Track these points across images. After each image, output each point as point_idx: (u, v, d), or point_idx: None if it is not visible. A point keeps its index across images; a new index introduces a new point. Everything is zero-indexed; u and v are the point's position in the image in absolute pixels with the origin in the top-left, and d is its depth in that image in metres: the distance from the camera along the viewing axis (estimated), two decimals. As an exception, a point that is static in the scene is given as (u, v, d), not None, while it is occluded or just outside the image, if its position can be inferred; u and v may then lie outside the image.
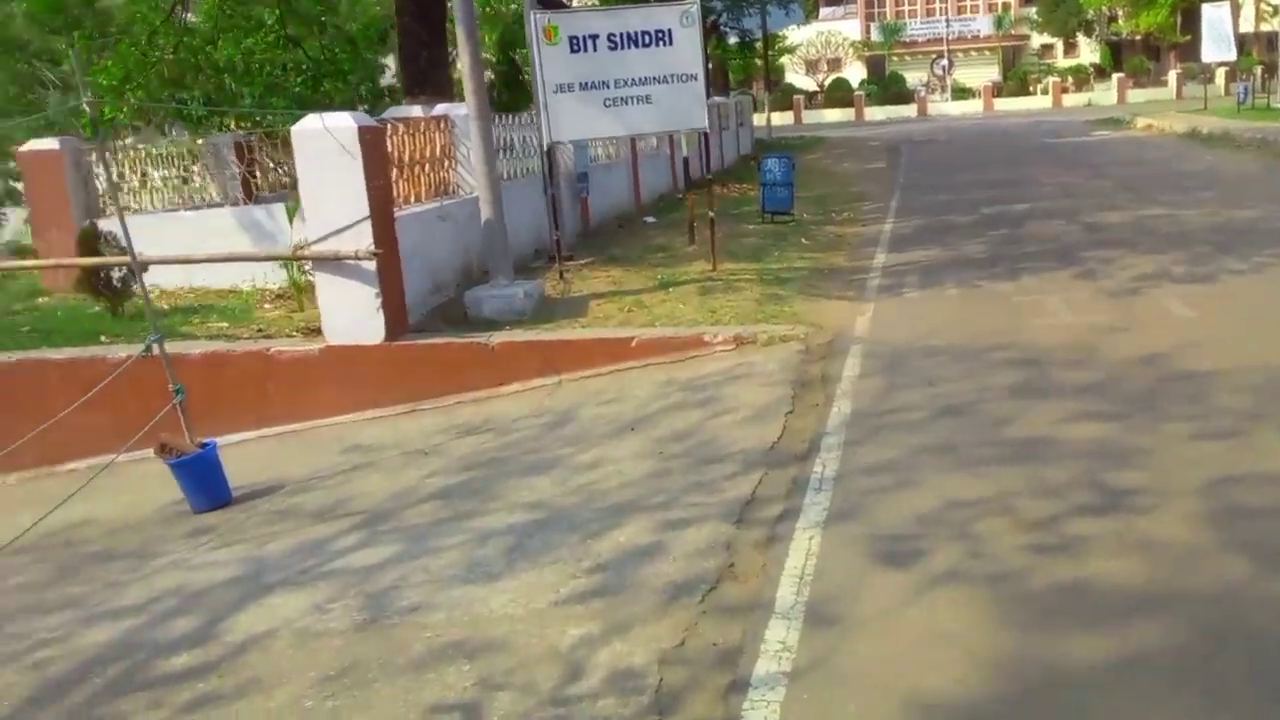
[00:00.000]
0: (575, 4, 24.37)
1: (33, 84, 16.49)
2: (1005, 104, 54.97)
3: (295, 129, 8.58)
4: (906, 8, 68.73)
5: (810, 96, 60.00)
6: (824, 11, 67.23)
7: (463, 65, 9.52)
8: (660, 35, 10.29)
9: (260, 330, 9.24)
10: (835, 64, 65.27)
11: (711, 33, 36.12)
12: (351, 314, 8.57)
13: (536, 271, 11.02)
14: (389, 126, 10.72)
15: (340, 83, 17.32)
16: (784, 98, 56.69)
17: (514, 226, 11.61)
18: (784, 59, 60.49)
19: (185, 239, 10.61)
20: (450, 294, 9.91)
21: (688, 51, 10.39)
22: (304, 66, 17.62)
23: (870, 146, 32.67)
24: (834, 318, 9.19)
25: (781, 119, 50.98)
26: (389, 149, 9.63)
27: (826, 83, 62.31)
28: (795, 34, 56.99)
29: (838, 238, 13.83)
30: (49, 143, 11.58)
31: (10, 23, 16.59)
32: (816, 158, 28.84)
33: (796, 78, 63.75)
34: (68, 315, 10.17)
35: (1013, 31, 64.89)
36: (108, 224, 11.40)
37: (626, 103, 10.35)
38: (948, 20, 63.57)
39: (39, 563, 6.23)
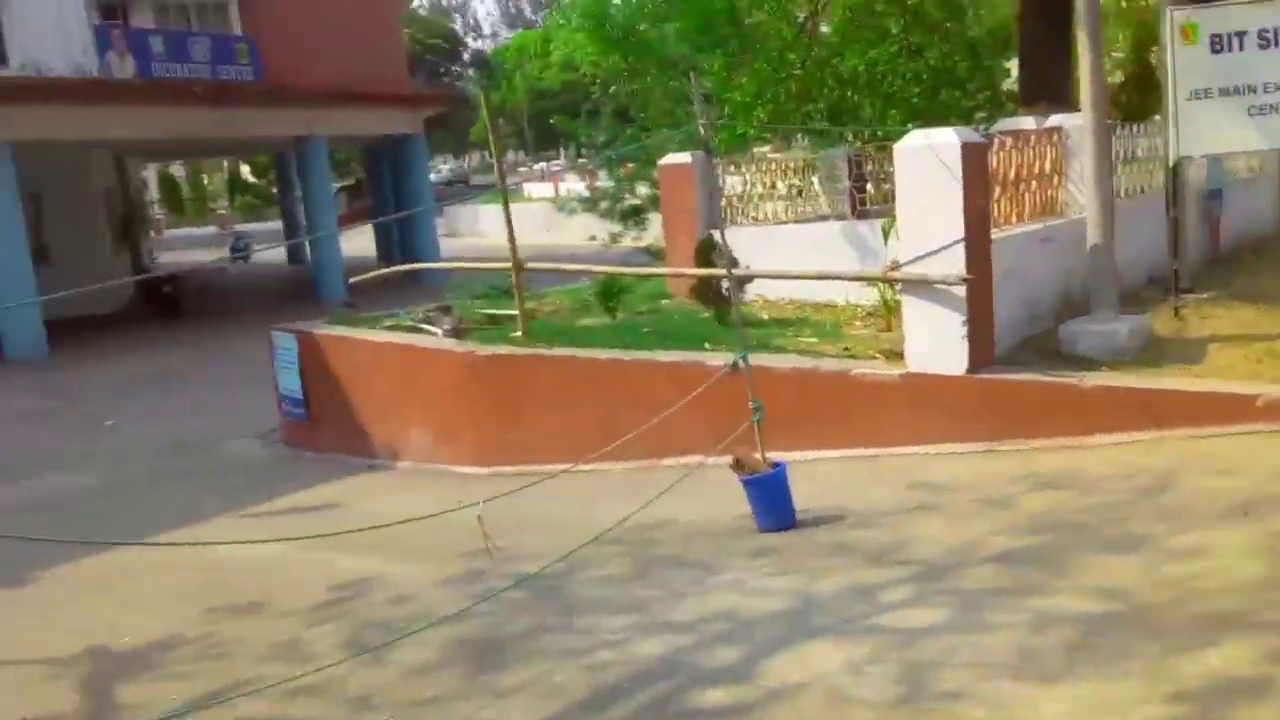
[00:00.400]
0: None
1: (681, 99, 18.03)
2: None
3: (898, 145, 8.36)
4: None
5: None
6: None
7: (1082, 70, 8.64)
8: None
9: (846, 349, 9.19)
10: None
11: None
12: (935, 341, 8.19)
13: (1147, 304, 9.78)
14: (996, 141, 10.15)
15: (958, 91, 16.88)
16: None
17: (1125, 251, 10.42)
18: None
19: (791, 251, 10.90)
20: (1046, 324, 9.12)
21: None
22: (923, 76, 17.43)
23: None
24: None
25: None
26: (993, 165, 9.08)
27: None
28: None
29: None
30: (682, 157, 12.54)
31: (664, 42, 18.30)
32: None
33: None
34: (683, 319, 10.92)
35: None
36: (728, 234, 12.16)
37: (1278, 110, 8.77)
38: None
39: (621, 557, 6.68)
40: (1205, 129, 8.99)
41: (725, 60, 16.80)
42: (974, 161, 8.11)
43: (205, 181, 65.37)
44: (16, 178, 19.87)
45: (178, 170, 59.16)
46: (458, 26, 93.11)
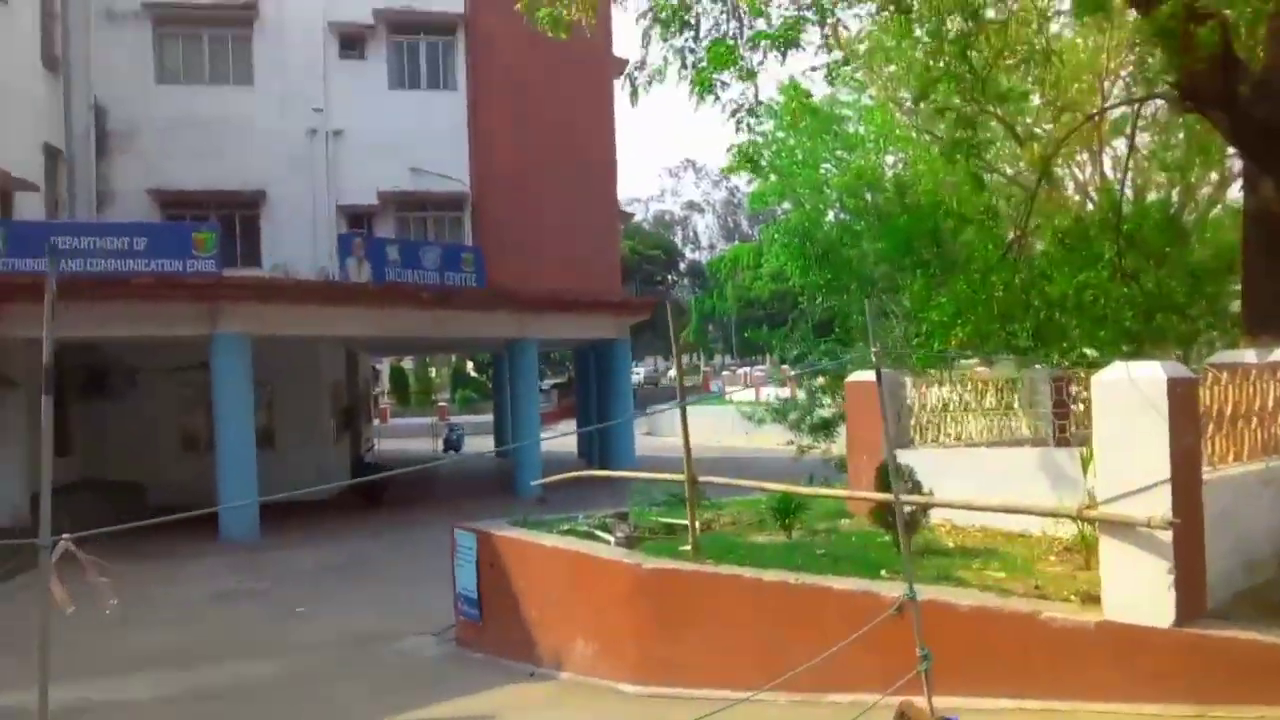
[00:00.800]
0: None
1: (880, 315, 17.82)
2: None
3: (1096, 377, 7.80)
4: None
5: None
6: None
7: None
8: None
9: (1037, 587, 8.40)
10: None
11: None
12: (1137, 588, 7.35)
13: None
14: (1210, 374, 9.37)
15: (1176, 316, 15.94)
16: None
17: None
18: None
19: (983, 476, 10.27)
20: (1266, 574, 8.10)
21: None
22: (1137, 300, 16.63)
23: None
24: None
25: None
26: (1206, 401, 8.32)
27: None
28: None
29: None
30: (868, 374, 12.22)
31: (863, 261, 18.28)
32: None
33: None
34: (861, 542, 10.35)
35: None
36: (912, 455, 11.63)
37: None
38: None
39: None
40: None
41: (926, 280, 16.55)
42: (1183, 397, 7.44)
43: (432, 375, 69.29)
44: (252, 365, 21.45)
45: (408, 364, 63.06)
46: (678, 239, 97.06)
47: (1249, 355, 9.61)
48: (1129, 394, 7.42)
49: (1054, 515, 8.64)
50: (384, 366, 56.98)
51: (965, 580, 8.73)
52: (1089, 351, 14.92)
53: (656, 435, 44.01)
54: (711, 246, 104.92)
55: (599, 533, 11.41)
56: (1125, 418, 7.45)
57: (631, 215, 47.68)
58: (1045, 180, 14.99)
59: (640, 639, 9.75)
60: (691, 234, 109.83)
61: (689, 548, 10.09)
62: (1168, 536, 7.25)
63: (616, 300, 31.38)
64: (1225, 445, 8.92)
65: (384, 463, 31.20)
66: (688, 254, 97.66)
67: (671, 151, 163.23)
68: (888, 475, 9.90)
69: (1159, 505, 7.27)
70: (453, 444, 38.46)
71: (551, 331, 28.34)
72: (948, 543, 10.23)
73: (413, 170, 28.58)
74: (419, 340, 32.38)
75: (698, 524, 10.24)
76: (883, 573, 9.05)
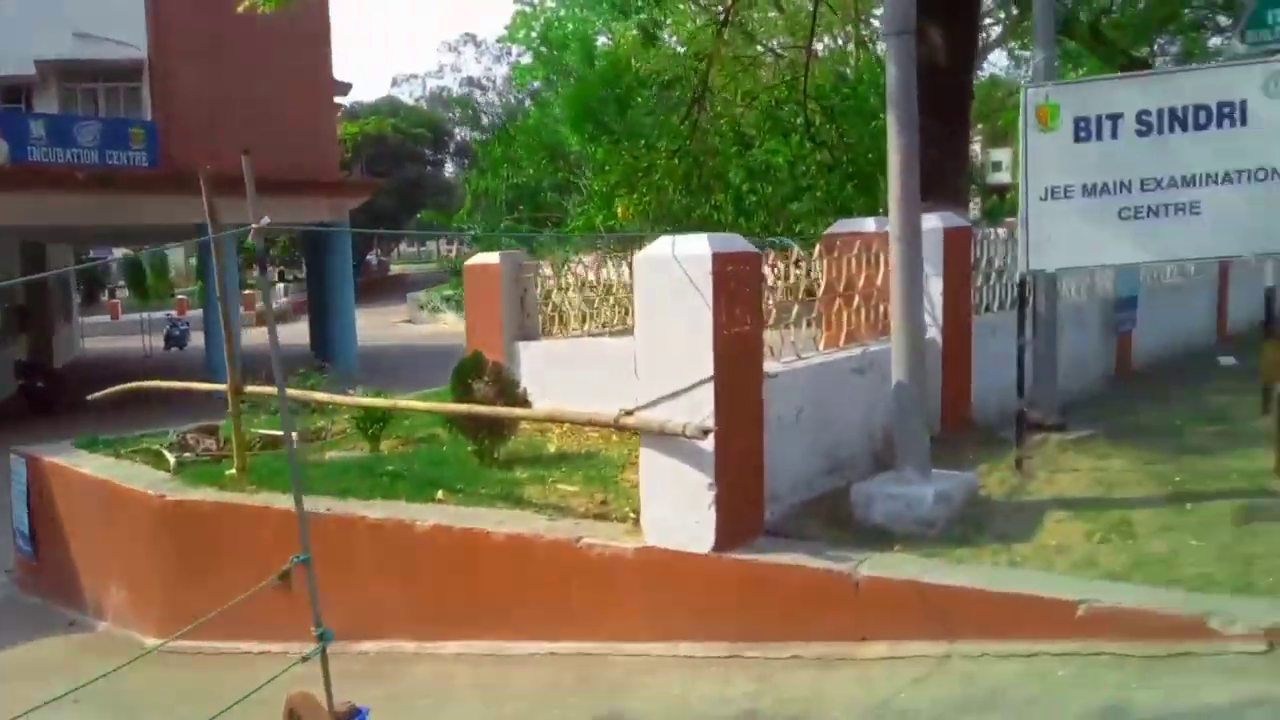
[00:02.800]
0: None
1: (571, 190, 16.25)
2: None
3: (639, 255, 6.43)
4: None
5: None
6: None
7: (890, 160, 6.67)
8: (1225, 111, 6.63)
9: (603, 504, 7.15)
10: None
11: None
12: (676, 508, 6.15)
13: (995, 450, 7.74)
14: (821, 245, 8.24)
15: (859, 185, 15.02)
16: None
17: (990, 376, 8.47)
18: None
19: (605, 366, 8.92)
20: (857, 475, 7.09)
21: (1273, 135, 6.59)
22: (828, 169, 15.64)
23: None
24: None
25: None
26: (776, 279, 7.17)
27: None
28: None
29: None
30: (490, 256, 10.63)
31: (549, 130, 16.61)
32: None
33: None
34: (451, 455, 8.88)
35: None
36: (534, 348, 10.22)
37: (1158, 214, 6.79)
38: None
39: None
40: (1063, 237, 7.01)
41: (609, 149, 15.02)
42: (732, 277, 6.13)
43: (185, 264, 63.92)
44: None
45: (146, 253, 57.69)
46: (455, 117, 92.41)
47: (869, 224, 8.50)
48: (670, 274, 6.09)
49: (590, 424, 7.36)
50: (117, 255, 52.10)
51: (529, 499, 7.41)
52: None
53: (416, 324, 41.85)
54: (493, 125, 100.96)
55: (167, 453, 9.58)
56: (666, 303, 6.13)
57: (349, 86, 44.01)
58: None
59: (165, 584, 8.09)
60: (470, 113, 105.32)
61: (234, 471, 8.42)
62: (708, 446, 6.03)
63: (330, 181, 28.68)
64: (835, 327, 7.87)
65: (84, 365, 28.05)
66: (468, 133, 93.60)
67: (453, 25, 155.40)
68: (467, 375, 8.48)
69: (701, 410, 6.04)
70: (175, 340, 35.22)
71: (249, 217, 25.50)
72: (550, 448, 8.91)
73: (78, 36, 24.85)
74: (92, 229, 28.75)
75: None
76: (439, 494, 7.65)
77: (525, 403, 8.33)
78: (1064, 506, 6.51)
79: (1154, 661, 4.82)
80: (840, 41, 23.60)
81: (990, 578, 5.58)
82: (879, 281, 8.12)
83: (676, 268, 6.06)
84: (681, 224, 16.13)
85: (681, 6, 15.98)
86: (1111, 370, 10.80)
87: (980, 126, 35.10)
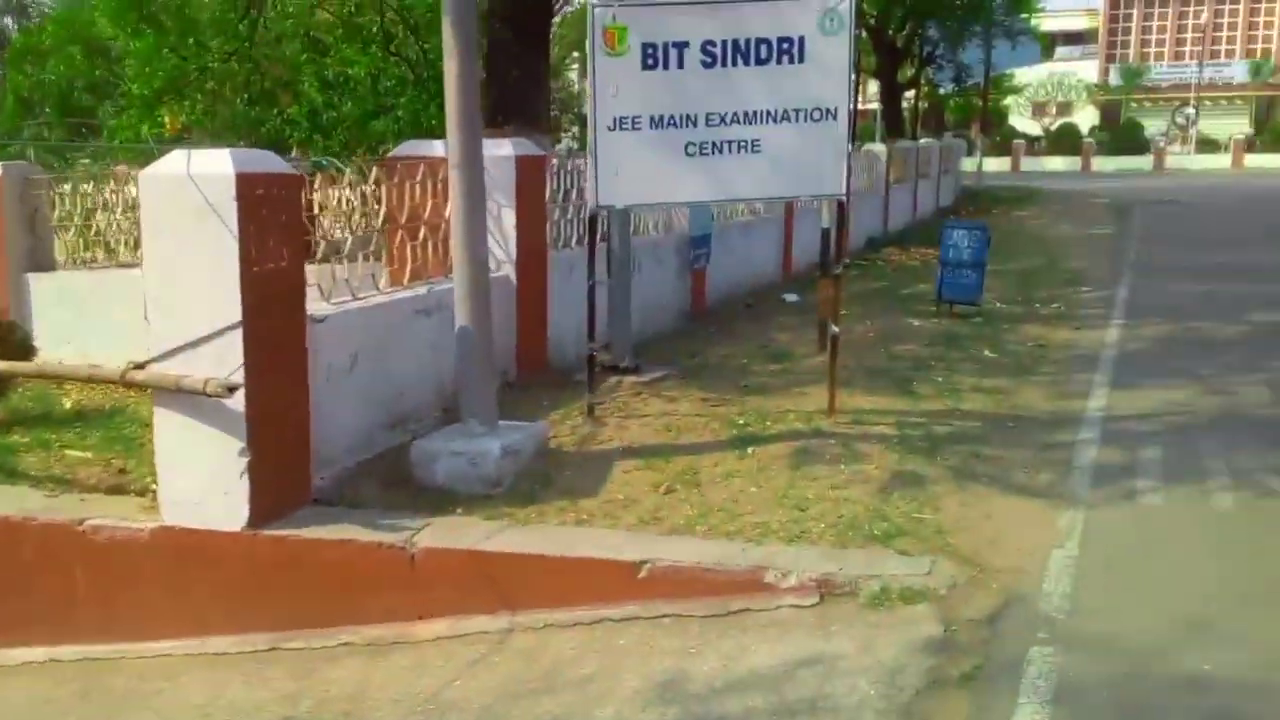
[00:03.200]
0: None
1: (113, 92, 14.06)
2: (1259, 161, 47.75)
3: (144, 173, 5.32)
4: (1153, 50, 61.90)
5: (1033, 142, 54.27)
6: (1060, 51, 61.08)
7: (447, 80, 5.97)
8: (785, 47, 6.53)
9: (122, 472, 6.02)
10: (1065, 109, 59.25)
11: (925, 65, 31.66)
12: (200, 480, 5.21)
13: (570, 394, 7.41)
14: (378, 169, 7.41)
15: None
16: (1003, 142, 51.27)
17: (567, 316, 8.11)
18: (1009, 100, 54.87)
19: (136, 306, 7.58)
20: (424, 429, 6.46)
21: (828, 73, 6.58)
22: (408, 81, 14.64)
23: (1095, 204, 27.54)
24: (1008, 544, 5.19)
25: (999, 165, 45.78)
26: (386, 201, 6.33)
27: (1053, 128, 56.39)
28: (1024, 74, 51.31)
29: (1038, 349, 9.61)
30: (-9, 168, 8.83)
31: (84, 19, 14.28)
32: (1028, 215, 24.16)
33: (1021, 120, 58.03)
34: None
35: (1271, 81, 57.12)
36: (51, 281, 8.62)
37: (722, 151, 6.62)
38: (1200, 64, 56.34)
39: None
40: (633, 172, 6.67)
41: (152, 41, 13.01)
42: (266, 202, 5.20)
43: None
44: None
45: None
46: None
47: (437, 147, 7.77)
48: (187, 197, 5.06)
49: (91, 380, 6.22)
50: None
51: (26, 470, 6.10)
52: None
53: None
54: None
55: None
56: (182, 233, 5.11)
57: None
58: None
59: None
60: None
61: None
62: (238, 405, 5.13)
63: None
64: (398, 262, 7.12)
65: None
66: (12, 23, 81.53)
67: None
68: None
69: (228, 362, 5.11)
70: None
71: None
72: (65, 403, 7.50)
73: None
74: None
75: None
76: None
77: (25, 351, 6.90)
78: (633, 455, 6.27)
79: (714, 622, 4.63)
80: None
81: (554, 541, 5.17)
82: (448, 213, 7.48)
83: (193, 189, 5.05)
84: (248, 139, 14.57)
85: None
86: (688, 307, 10.92)
87: (577, 55, 35.17)
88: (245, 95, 12.19)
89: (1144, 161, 49.35)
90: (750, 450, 6.32)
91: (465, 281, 5.93)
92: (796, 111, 6.54)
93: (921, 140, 27.25)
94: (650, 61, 6.51)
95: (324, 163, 7.27)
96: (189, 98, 11.23)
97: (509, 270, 7.65)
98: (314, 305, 5.88)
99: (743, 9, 6.57)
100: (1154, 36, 62.79)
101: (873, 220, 18.92)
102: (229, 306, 5.08)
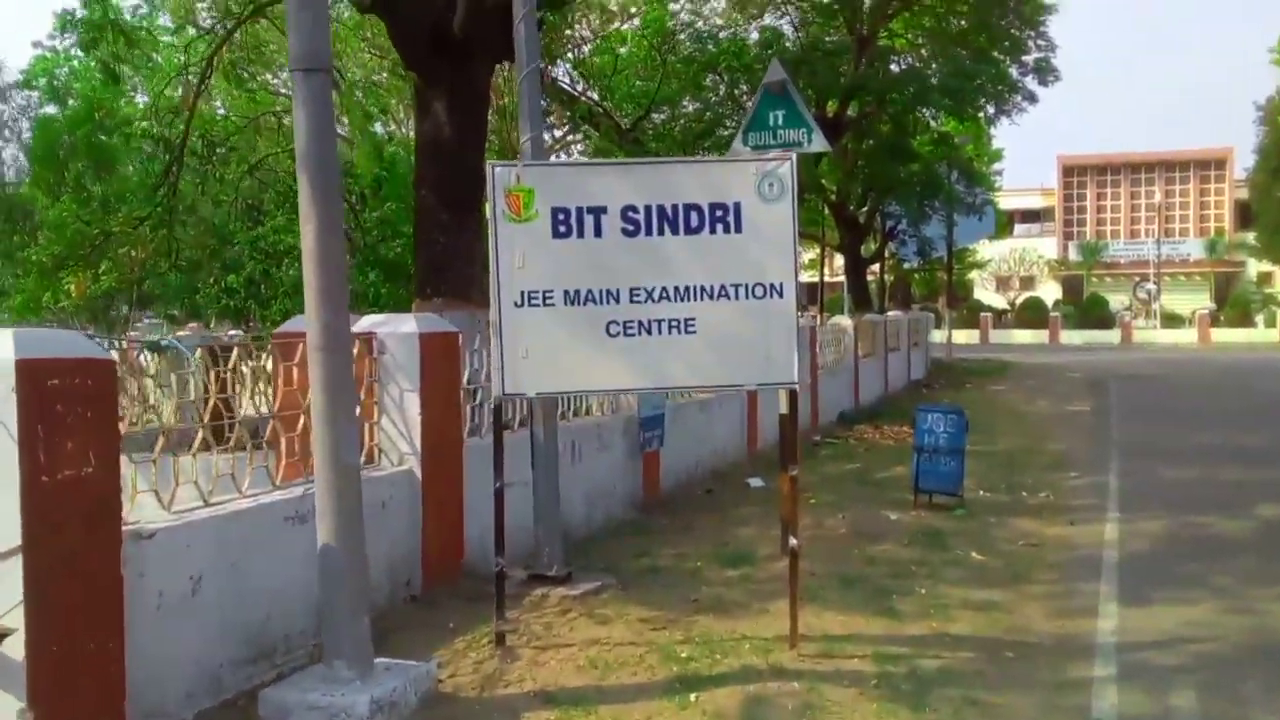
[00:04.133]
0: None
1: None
2: (1225, 335, 47.84)
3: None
4: (1109, 228, 63.10)
5: (1000, 315, 54.46)
6: (1019, 229, 62.13)
7: (305, 250, 4.89)
8: (720, 214, 5.59)
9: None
10: (1028, 282, 59.77)
11: (888, 239, 31.51)
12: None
13: (485, 611, 6.11)
14: (286, 348, 6.31)
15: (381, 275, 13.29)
16: (970, 315, 51.33)
17: (489, 514, 6.87)
18: (973, 274, 55.27)
19: None
20: (293, 660, 5.15)
21: (770, 244, 5.64)
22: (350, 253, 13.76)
23: (1069, 378, 26.87)
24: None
25: (967, 337, 45.59)
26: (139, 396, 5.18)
27: (1018, 301, 56.72)
28: (986, 249, 51.81)
29: (1031, 550, 8.42)
30: None
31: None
32: (1002, 390, 23.33)
33: (986, 294, 58.40)
34: None
35: (1227, 257, 58.03)
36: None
37: (650, 330, 5.58)
38: (1158, 242, 57.32)
39: None
40: (545, 352, 5.60)
41: (62, 211, 12.04)
42: (62, 395, 4.04)
43: None
44: None
45: None
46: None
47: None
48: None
49: None
50: None
51: None
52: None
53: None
54: None
55: None
56: (-50, 433, 3.93)
57: None
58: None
59: None
60: None
61: None
62: (18, 653, 3.86)
63: None
64: (283, 457, 5.92)
65: None
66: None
67: None
68: None
69: (9, 596, 3.86)
70: None
71: None
72: None
73: None
74: None
75: None
76: None
77: None
78: (547, 703, 4.96)
79: None
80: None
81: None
82: (360, 396, 6.35)
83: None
84: (177, 307, 13.60)
85: (166, 40, 13.46)
86: (639, 494, 9.74)
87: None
88: (170, 262, 11.22)
89: (1111, 335, 49.36)
90: (693, 698, 5.02)
91: (328, 490, 4.73)
92: (736, 287, 5.55)
93: (889, 313, 26.73)
94: (562, 229, 5.53)
95: (165, 344, 6.13)
96: (94, 265, 10.24)
97: (413, 464, 6.47)
98: (148, 514, 4.69)
99: (667, 171, 5.74)
100: (1109, 215, 64.10)
101: (843, 395, 18.00)
102: (5, 527, 3.87)
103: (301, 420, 6.01)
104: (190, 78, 10.17)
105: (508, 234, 5.52)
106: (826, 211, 28.62)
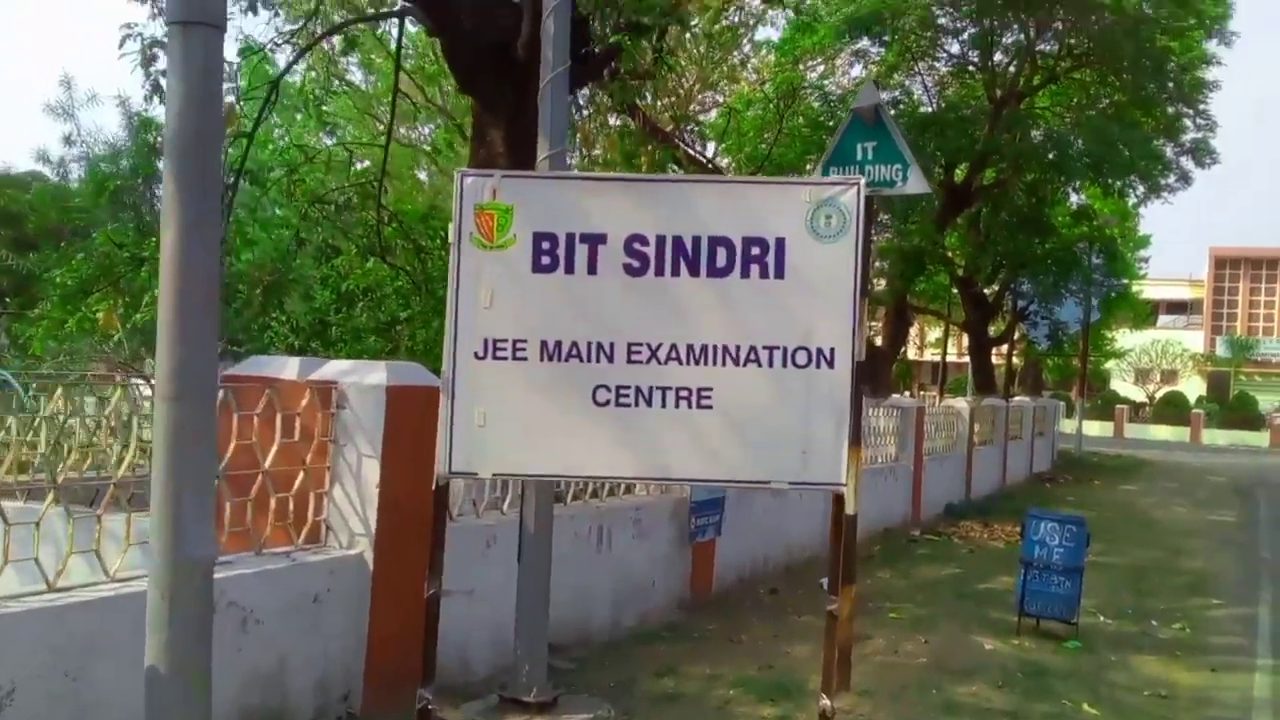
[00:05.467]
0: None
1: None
2: (1391, 445, 43.35)
3: None
4: (1261, 324, 58.77)
5: (1137, 408, 50.79)
6: (1163, 320, 58.30)
7: (164, 244, 3.58)
8: (755, 253, 4.15)
9: None
10: (1170, 376, 55.80)
11: (1018, 320, 29.17)
12: None
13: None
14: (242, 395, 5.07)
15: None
16: (1105, 406, 47.93)
17: (457, 609, 5.48)
18: (1110, 363, 51.78)
19: None
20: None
21: (820, 296, 4.17)
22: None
23: (1211, 482, 24.07)
24: None
25: (1100, 429, 42.38)
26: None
27: (1158, 395, 52.90)
28: (1126, 338, 48.47)
29: (1160, 704, 6.55)
30: None
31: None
32: (1134, 491, 20.86)
33: (1123, 385, 54.71)
34: None
35: (1393, 361, 53.16)
36: None
37: (651, 401, 4.15)
38: (1314, 340, 52.87)
39: None
40: (509, 421, 4.21)
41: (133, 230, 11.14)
42: None
43: None
44: None
45: None
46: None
47: (289, 367, 5.43)
48: None
49: None
50: None
51: None
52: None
53: None
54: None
55: None
56: None
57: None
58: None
59: None
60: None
61: None
62: None
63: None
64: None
65: None
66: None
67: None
68: None
69: None
70: None
71: None
72: None
73: None
74: None
75: None
76: None
77: None
78: None
79: None
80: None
81: None
82: (309, 458, 5.08)
83: None
84: (244, 344, 12.75)
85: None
86: (685, 591, 8.19)
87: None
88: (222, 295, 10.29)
89: (1259, 437, 45.31)
90: None
91: (163, 593, 3.38)
92: (771, 350, 4.08)
93: (1014, 398, 24.49)
94: (545, 260, 4.16)
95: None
96: (122, 292, 9.31)
97: (365, 547, 5.12)
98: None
99: (690, 192, 4.27)
100: (1261, 311, 59.79)
101: (953, 485, 16.07)
102: None
103: (260, 480, 4.77)
104: (241, 102, 9.24)
105: (474, 263, 4.18)
106: (951, 287, 26.62)
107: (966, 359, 34.44)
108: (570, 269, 4.13)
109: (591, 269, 4.12)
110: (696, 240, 4.09)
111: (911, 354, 43.24)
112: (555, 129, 5.29)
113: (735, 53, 20.62)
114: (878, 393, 16.78)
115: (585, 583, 6.93)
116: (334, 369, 5.35)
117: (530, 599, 5.31)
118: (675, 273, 4.11)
